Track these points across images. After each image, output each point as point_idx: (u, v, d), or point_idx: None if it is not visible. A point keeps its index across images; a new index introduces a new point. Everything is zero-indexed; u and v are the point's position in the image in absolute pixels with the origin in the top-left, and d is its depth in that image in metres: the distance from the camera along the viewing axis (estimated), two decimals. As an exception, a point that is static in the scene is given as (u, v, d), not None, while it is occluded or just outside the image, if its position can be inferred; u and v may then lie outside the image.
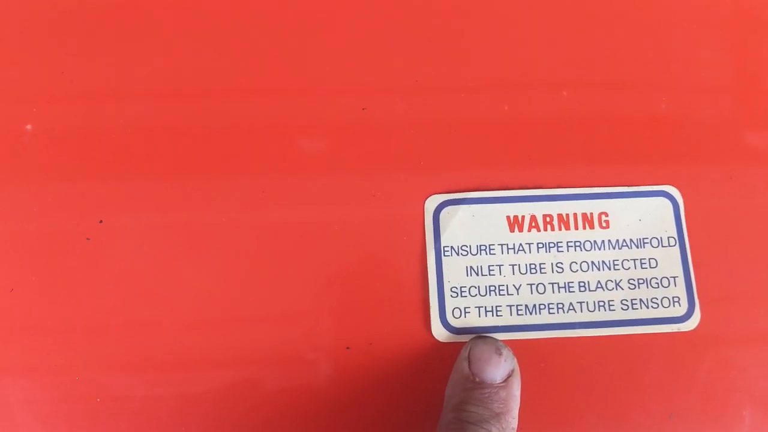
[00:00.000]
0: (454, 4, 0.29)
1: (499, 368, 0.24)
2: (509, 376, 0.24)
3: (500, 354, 0.24)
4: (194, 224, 0.27)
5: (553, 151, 0.28)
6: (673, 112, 0.28)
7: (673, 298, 0.26)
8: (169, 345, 0.26)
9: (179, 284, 0.26)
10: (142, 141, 0.27)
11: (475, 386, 0.24)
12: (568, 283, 0.26)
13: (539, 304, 0.26)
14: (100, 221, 0.26)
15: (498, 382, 0.24)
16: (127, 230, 0.27)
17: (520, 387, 0.25)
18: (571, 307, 0.26)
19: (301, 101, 0.28)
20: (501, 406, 0.23)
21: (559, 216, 0.27)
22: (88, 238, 0.26)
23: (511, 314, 0.26)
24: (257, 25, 0.29)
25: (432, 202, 0.27)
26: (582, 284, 0.26)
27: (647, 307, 0.26)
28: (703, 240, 0.27)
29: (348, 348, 0.26)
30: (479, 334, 0.26)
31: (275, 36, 0.29)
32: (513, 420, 0.24)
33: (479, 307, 0.26)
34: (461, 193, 0.27)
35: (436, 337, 0.26)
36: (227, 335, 0.26)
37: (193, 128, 0.28)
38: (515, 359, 0.25)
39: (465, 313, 0.26)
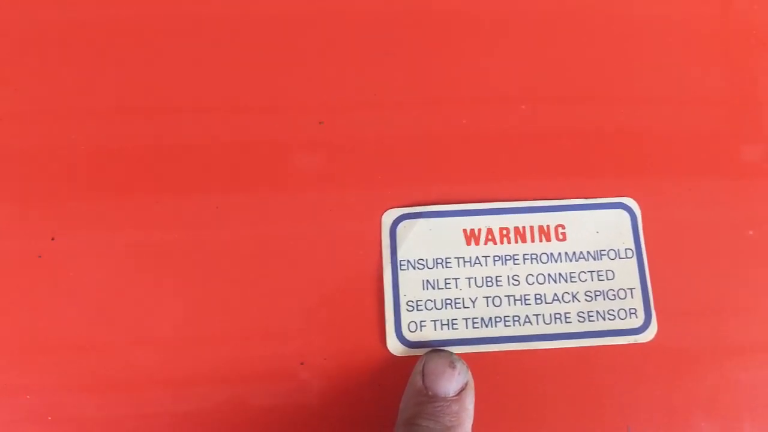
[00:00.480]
0: (411, 19, 0.29)
1: (453, 381, 0.24)
2: (462, 389, 0.24)
3: (454, 367, 0.24)
4: (146, 241, 0.27)
5: (511, 164, 0.28)
6: (631, 125, 0.28)
7: (629, 309, 0.26)
8: (121, 364, 0.25)
9: (128, 303, 0.26)
10: (94, 158, 0.27)
11: (428, 400, 0.24)
12: (525, 295, 0.26)
13: (495, 317, 0.26)
14: (52, 238, 0.26)
15: (451, 395, 0.24)
16: (81, 249, 0.26)
17: (473, 400, 0.24)
18: (527, 320, 0.26)
19: (256, 117, 0.28)
20: (453, 419, 0.23)
21: (516, 229, 0.27)
22: (39, 256, 0.26)
23: (467, 327, 0.26)
24: (199, 44, 0.29)
25: (389, 216, 0.27)
26: (538, 297, 0.26)
27: (604, 319, 0.26)
28: (660, 252, 0.27)
29: (302, 363, 0.26)
30: (435, 347, 0.26)
31: (232, 53, 0.29)
32: None
33: (435, 321, 0.26)
34: (418, 207, 0.27)
35: (391, 351, 0.26)
36: (177, 354, 0.26)
37: (143, 146, 0.27)
38: (469, 372, 0.25)
39: (421, 326, 0.26)
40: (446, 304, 0.26)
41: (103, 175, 0.27)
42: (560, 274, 0.27)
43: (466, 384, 0.24)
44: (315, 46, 0.29)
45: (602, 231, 0.27)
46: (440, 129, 0.28)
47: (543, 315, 0.26)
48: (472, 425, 0.24)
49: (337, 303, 0.26)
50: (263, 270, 0.26)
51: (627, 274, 0.27)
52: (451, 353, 0.25)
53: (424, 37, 0.29)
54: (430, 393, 0.24)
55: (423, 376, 0.24)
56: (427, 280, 0.27)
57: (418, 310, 0.26)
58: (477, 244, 0.27)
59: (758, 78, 0.30)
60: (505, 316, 0.26)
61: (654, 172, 0.28)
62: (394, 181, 0.27)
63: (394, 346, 0.26)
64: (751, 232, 0.27)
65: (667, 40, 0.30)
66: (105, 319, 0.26)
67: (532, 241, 0.27)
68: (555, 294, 0.26)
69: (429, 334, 0.26)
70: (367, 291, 0.26)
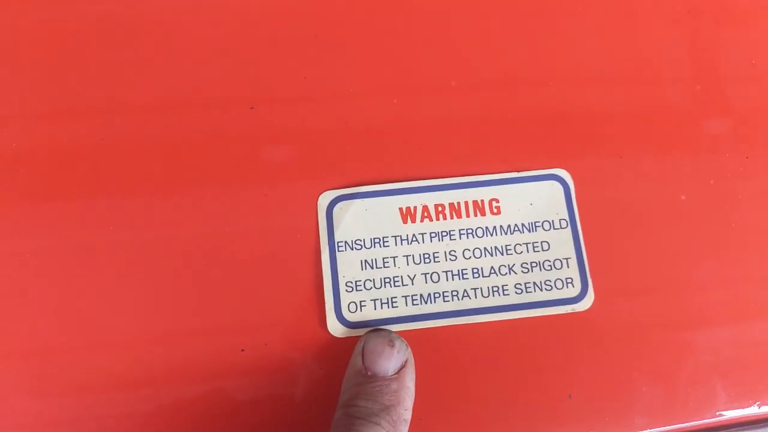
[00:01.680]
0: (343, 9, 0.29)
1: (391, 360, 0.24)
2: (402, 367, 0.24)
3: (393, 346, 0.24)
4: (86, 243, 0.26)
5: (444, 141, 0.28)
6: (561, 97, 0.29)
7: (566, 279, 0.27)
8: (69, 367, 0.25)
9: (73, 305, 0.26)
10: (30, 162, 0.27)
11: (367, 380, 0.24)
12: (462, 270, 0.26)
13: (434, 293, 0.26)
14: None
15: (390, 374, 0.24)
16: (26, 253, 0.26)
17: (414, 378, 0.24)
18: (465, 294, 0.26)
19: (184, 109, 0.28)
20: (391, 398, 0.23)
21: (451, 205, 0.27)
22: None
23: (406, 305, 0.26)
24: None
25: (325, 198, 0.27)
26: (475, 271, 0.26)
27: (541, 290, 0.26)
28: (594, 221, 0.27)
29: (243, 350, 0.26)
30: (375, 327, 0.26)
31: (156, 48, 0.29)
32: (405, 412, 0.24)
33: (375, 300, 0.26)
34: (354, 188, 0.27)
35: (332, 333, 0.26)
36: (123, 354, 0.25)
37: (75, 148, 0.27)
38: (409, 350, 0.25)
39: (361, 306, 0.26)
40: (385, 282, 0.26)
41: (40, 179, 0.27)
42: (496, 248, 0.27)
43: (405, 362, 0.24)
44: (242, 34, 0.29)
45: (536, 203, 0.27)
46: (372, 109, 0.28)
47: (481, 289, 0.26)
48: (414, 402, 0.24)
49: (275, 288, 0.26)
50: (202, 260, 0.26)
51: (562, 244, 0.27)
52: (391, 332, 0.25)
53: (351, 19, 0.29)
54: (369, 373, 0.24)
55: (362, 356, 0.24)
56: (366, 260, 0.27)
57: (357, 290, 0.26)
58: (413, 221, 0.27)
59: (712, 55, 0.30)
60: (443, 292, 0.26)
61: (585, 143, 0.28)
62: (328, 164, 0.27)
63: (335, 328, 0.26)
64: (683, 197, 0.28)
65: (602, 15, 0.30)
66: (52, 323, 0.26)
67: (468, 216, 0.27)
68: (492, 267, 0.27)
69: (369, 313, 0.26)
70: (306, 274, 0.26)
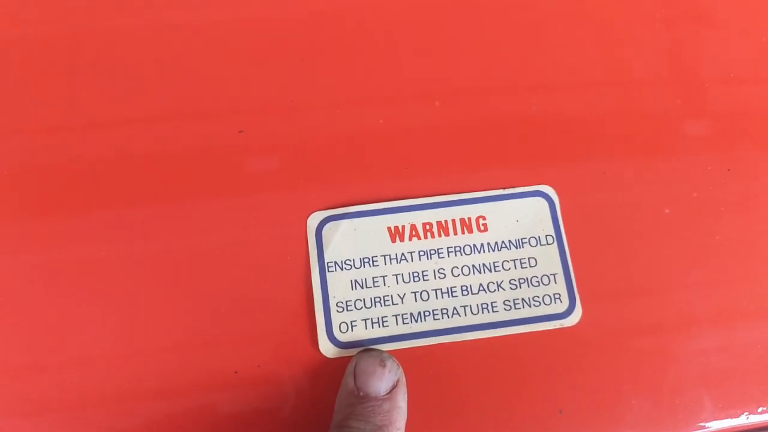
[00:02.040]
0: (323, 26, 0.30)
1: (383, 380, 0.24)
2: (394, 387, 0.24)
3: (384, 366, 0.24)
4: (72, 259, 0.26)
5: (430, 159, 0.28)
6: (544, 113, 0.29)
7: (554, 295, 0.27)
8: (52, 385, 0.25)
9: (58, 322, 0.26)
10: (13, 178, 0.27)
11: (359, 400, 0.24)
12: (451, 288, 0.27)
13: (424, 311, 0.27)
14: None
15: (382, 394, 0.24)
16: (10, 274, 0.26)
17: (406, 398, 0.25)
18: (455, 312, 0.27)
19: (176, 127, 0.28)
20: (384, 418, 0.23)
21: (438, 223, 0.27)
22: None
23: (397, 324, 0.26)
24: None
25: (314, 219, 0.27)
26: (464, 288, 0.27)
27: (529, 306, 0.27)
28: (580, 236, 0.28)
29: (236, 372, 0.26)
30: (367, 346, 0.26)
31: (147, 64, 0.29)
32: (398, 431, 0.24)
33: (366, 320, 0.26)
34: (342, 208, 0.27)
35: (324, 353, 0.26)
36: (113, 371, 0.25)
37: (62, 163, 0.27)
38: (400, 370, 0.25)
39: (352, 326, 0.26)
40: (375, 302, 0.27)
41: (22, 195, 0.27)
42: (484, 265, 0.27)
43: (397, 382, 0.25)
44: (231, 54, 0.29)
45: (522, 219, 0.28)
46: (358, 130, 0.29)
47: (470, 306, 0.27)
48: (406, 421, 0.24)
49: (267, 309, 0.26)
50: (192, 280, 0.26)
51: (549, 260, 0.27)
52: (382, 352, 0.26)
53: (337, 43, 0.30)
54: (361, 393, 0.24)
55: (354, 376, 0.24)
56: (355, 280, 0.27)
57: (348, 310, 0.26)
58: (402, 240, 0.27)
59: (689, 58, 0.31)
60: (433, 310, 0.27)
61: (569, 158, 0.29)
62: (316, 184, 0.28)
63: (327, 348, 0.26)
64: (667, 211, 0.28)
65: (578, 25, 0.31)
66: (34, 340, 0.26)
67: (455, 233, 0.27)
68: (480, 284, 0.27)
69: (360, 333, 0.26)
70: (297, 295, 0.27)
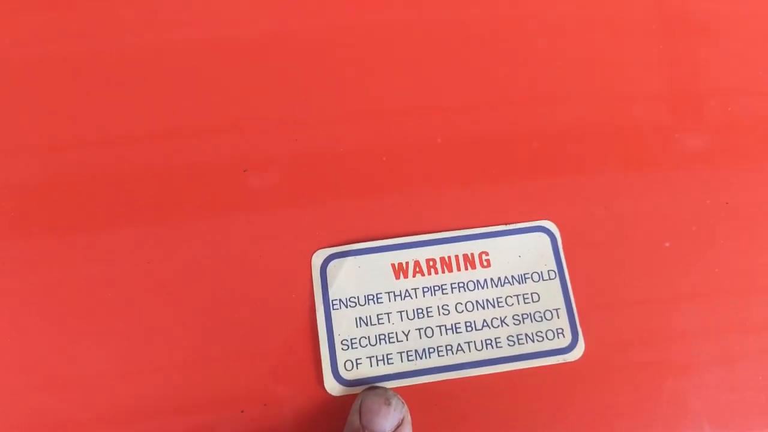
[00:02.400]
0: (328, 71, 0.30)
1: (388, 418, 0.24)
2: (399, 425, 0.25)
3: (389, 404, 0.25)
4: (80, 278, 0.27)
5: (432, 196, 0.29)
6: (545, 149, 0.29)
7: (557, 330, 0.27)
8: (62, 404, 0.25)
9: (64, 341, 0.26)
10: (25, 195, 0.27)
11: None
12: (455, 324, 0.27)
13: (428, 348, 0.27)
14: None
15: None
16: (18, 293, 0.26)
17: None
18: (459, 348, 0.27)
19: (184, 170, 0.28)
20: None
21: (442, 259, 0.28)
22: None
23: (402, 361, 0.27)
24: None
25: (318, 257, 0.28)
26: (468, 324, 0.27)
27: (533, 341, 0.27)
28: (582, 271, 0.28)
29: (242, 411, 0.26)
30: (372, 384, 0.26)
31: (152, 87, 0.29)
32: None
33: (371, 357, 0.27)
34: (346, 246, 0.28)
35: (329, 392, 0.26)
36: (116, 396, 0.26)
37: (73, 180, 0.28)
38: (405, 408, 0.25)
39: (357, 364, 0.27)
40: (380, 339, 0.27)
41: (33, 213, 0.27)
42: (488, 300, 0.27)
43: (402, 420, 0.25)
44: (235, 93, 0.29)
45: (524, 255, 0.28)
46: (361, 167, 0.29)
47: (474, 342, 0.27)
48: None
49: (272, 348, 0.27)
50: (195, 320, 0.27)
51: (551, 295, 0.27)
52: (387, 390, 0.26)
53: (339, 81, 0.30)
54: (366, 431, 0.24)
55: (360, 414, 0.25)
56: (360, 317, 0.27)
57: (353, 348, 0.27)
58: (406, 277, 0.27)
59: (687, 73, 0.31)
60: (438, 347, 0.27)
61: (570, 193, 0.29)
62: (321, 222, 0.28)
63: (332, 386, 0.26)
64: (667, 244, 0.29)
65: (581, 60, 0.31)
66: (36, 359, 0.26)
67: (459, 269, 0.28)
68: (484, 320, 0.27)
69: (365, 371, 0.27)
70: (302, 333, 0.27)
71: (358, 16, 0.31)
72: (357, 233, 0.28)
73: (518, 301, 0.27)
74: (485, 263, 0.28)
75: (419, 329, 0.27)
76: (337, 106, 0.30)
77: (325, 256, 0.28)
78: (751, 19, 0.33)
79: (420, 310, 0.27)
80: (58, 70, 0.29)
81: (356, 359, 0.27)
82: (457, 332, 0.27)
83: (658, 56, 0.31)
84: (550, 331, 0.27)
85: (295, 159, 0.29)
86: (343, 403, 0.26)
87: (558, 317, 0.27)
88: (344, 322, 0.27)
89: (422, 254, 0.28)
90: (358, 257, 0.28)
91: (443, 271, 0.28)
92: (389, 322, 0.27)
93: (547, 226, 0.28)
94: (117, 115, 0.29)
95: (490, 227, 0.28)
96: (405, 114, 0.30)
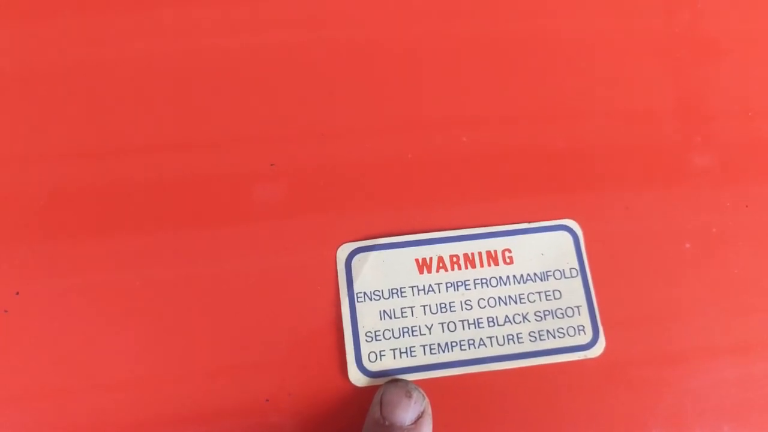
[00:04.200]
0: (356, 65, 0.31)
1: (409, 410, 0.25)
2: (419, 417, 0.25)
3: (410, 396, 0.25)
4: (104, 284, 0.27)
5: (456, 193, 0.29)
6: (570, 148, 0.30)
7: (578, 326, 0.28)
8: (87, 409, 0.26)
9: (92, 347, 0.26)
10: (48, 204, 0.28)
11: (385, 430, 0.24)
12: (477, 319, 0.27)
13: (451, 342, 0.27)
14: (17, 293, 0.27)
15: (407, 424, 0.25)
16: (46, 298, 0.27)
17: (431, 428, 0.25)
18: (481, 343, 0.27)
19: (207, 155, 0.29)
20: None
21: (465, 255, 0.28)
22: (6, 311, 0.27)
23: (424, 354, 0.27)
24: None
25: (343, 251, 0.28)
26: (491, 319, 0.27)
27: (554, 337, 0.27)
28: (603, 269, 0.28)
29: (267, 400, 0.26)
30: (394, 376, 0.27)
31: (180, 90, 0.30)
32: None
33: (394, 350, 0.27)
34: (371, 240, 0.28)
35: (353, 382, 0.27)
36: (145, 397, 0.26)
37: (96, 188, 0.28)
38: (426, 400, 0.25)
39: (380, 356, 0.27)
40: (404, 332, 0.27)
41: (57, 221, 0.28)
42: (510, 297, 0.28)
43: (422, 412, 0.25)
44: (263, 83, 0.30)
45: (547, 253, 0.28)
46: (387, 162, 0.29)
47: (496, 337, 0.27)
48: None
49: (297, 339, 0.27)
50: (222, 310, 0.27)
51: (573, 292, 0.28)
52: (408, 382, 0.26)
53: (365, 75, 0.31)
54: (387, 423, 0.25)
55: (381, 406, 0.25)
56: (384, 311, 0.27)
57: (377, 340, 0.27)
58: (429, 272, 0.28)
59: (700, 90, 0.32)
60: (460, 341, 0.27)
61: (593, 192, 0.29)
62: (346, 216, 0.29)
63: (356, 377, 0.27)
64: (687, 245, 0.29)
65: (604, 57, 0.32)
66: (72, 365, 0.26)
67: (482, 266, 0.28)
68: (506, 316, 0.28)
69: (389, 363, 0.27)
70: (326, 325, 0.27)
71: (393, 27, 0.32)
72: (382, 228, 0.28)
73: (540, 297, 0.28)
74: (508, 260, 0.28)
75: (442, 323, 0.27)
76: (364, 108, 0.30)
77: (350, 250, 0.28)
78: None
79: (443, 305, 0.28)
80: (76, 78, 0.30)
81: (380, 351, 0.27)
82: (479, 327, 0.27)
83: (689, 88, 0.32)
84: (572, 328, 0.27)
85: (323, 158, 0.29)
86: (367, 394, 0.27)
87: (579, 314, 0.28)
88: (368, 315, 0.27)
89: (446, 250, 0.28)
90: (382, 251, 0.28)
91: (466, 267, 0.28)
92: (413, 315, 0.27)
93: (570, 225, 0.29)
94: (148, 123, 0.29)
95: (514, 225, 0.29)
96: (433, 116, 0.30)
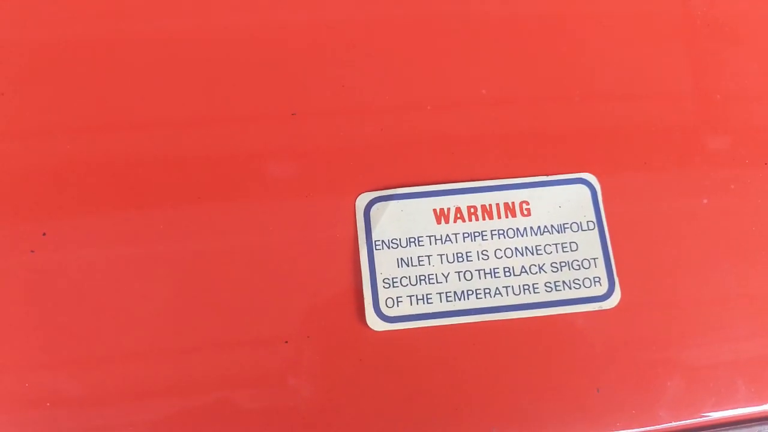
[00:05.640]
0: (378, 23, 0.31)
1: None
2: None
3: None
4: (122, 255, 0.28)
5: (475, 145, 0.29)
6: (587, 103, 0.30)
7: (594, 278, 0.28)
8: (107, 376, 0.27)
9: (111, 315, 0.27)
10: (66, 176, 0.28)
11: None
12: (494, 269, 0.28)
13: (467, 290, 0.28)
14: (43, 233, 0.27)
15: None
16: (63, 263, 0.27)
17: None
18: (497, 292, 0.28)
19: (232, 116, 0.29)
20: None
21: (483, 207, 0.28)
22: (32, 251, 0.27)
23: (441, 301, 0.27)
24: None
25: (362, 200, 0.28)
26: (507, 270, 0.28)
27: (570, 288, 0.28)
28: (620, 223, 0.28)
29: (286, 342, 0.27)
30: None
31: (194, 64, 0.30)
32: None
33: (411, 296, 0.28)
34: (390, 190, 0.29)
35: (371, 326, 0.27)
36: (177, 328, 0.27)
37: (115, 160, 0.28)
38: None
39: (398, 302, 0.27)
40: (420, 280, 0.28)
41: (78, 192, 0.28)
42: (527, 248, 0.28)
43: None
44: (279, 46, 0.30)
45: (564, 206, 0.28)
46: (408, 117, 0.30)
47: (512, 287, 0.28)
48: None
49: (317, 283, 0.28)
50: (244, 252, 0.28)
51: (589, 245, 0.28)
52: None
53: (387, 32, 0.31)
54: None
55: None
56: (402, 259, 0.28)
57: (394, 286, 0.28)
58: (447, 222, 0.28)
59: (718, 67, 0.32)
60: (476, 289, 0.28)
61: (611, 149, 0.29)
62: (366, 166, 0.29)
63: (374, 322, 0.27)
64: (705, 201, 0.29)
65: (628, 32, 0.32)
66: (85, 332, 0.27)
67: (499, 217, 0.28)
68: (522, 266, 0.28)
69: (405, 309, 0.27)
70: (345, 271, 0.28)
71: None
72: (401, 179, 0.29)
73: (557, 249, 0.28)
74: (525, 212, 0.28)
75: (458, 272, 0.28)
76: (384, 61, 0.30)
77: (369, 200, 0.28)
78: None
79: (460, 255, 0.28)
80: (93, 55, 0.30)
81: (397, 297, 0.27)
82: (495, 276, 0.28)
83: (706, 53, 0.32)
84: (588, 279, 0.28)
85: (343, 106, 0.30)
86: (383, 338, 0.27)
87: (596, 266, 0.28)
88: (386, 262, 0.28)
89: (463, 201, 0.28)
90: (401, 201, 0.28)
91: (484, 218, 0.28)
92: (430, 264, 0.28)
93: (588, 179, 0.29)
94: (160, 97, 0.29)
95: (532, 177, 0.29)
96: (451, 68, 0.30)
